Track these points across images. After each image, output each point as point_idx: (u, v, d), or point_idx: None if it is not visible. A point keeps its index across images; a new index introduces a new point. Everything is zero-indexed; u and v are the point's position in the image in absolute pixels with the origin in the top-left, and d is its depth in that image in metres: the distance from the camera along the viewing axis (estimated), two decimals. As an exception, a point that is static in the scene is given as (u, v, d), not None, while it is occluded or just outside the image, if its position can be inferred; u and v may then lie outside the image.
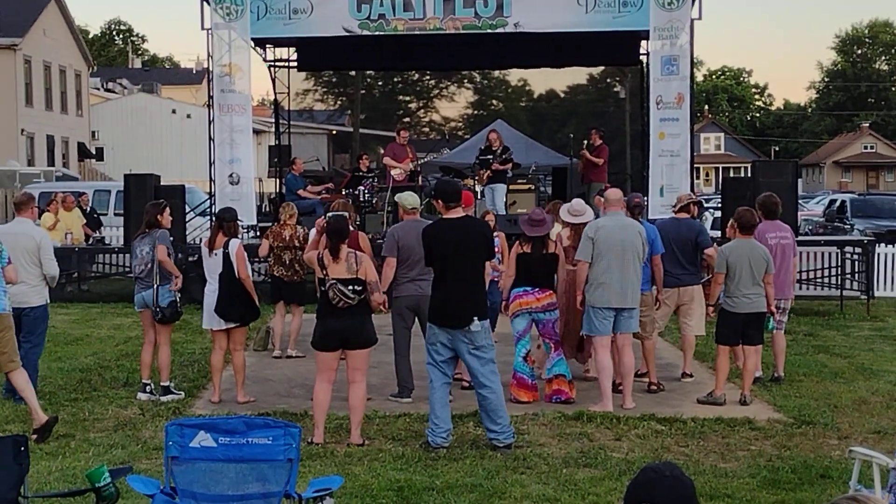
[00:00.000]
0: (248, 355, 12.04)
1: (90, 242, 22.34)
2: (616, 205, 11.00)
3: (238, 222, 11.54)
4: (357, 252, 9.35)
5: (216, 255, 10.92)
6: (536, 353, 11.67)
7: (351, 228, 11.92)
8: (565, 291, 11.41)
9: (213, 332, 11.09)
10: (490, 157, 20.26)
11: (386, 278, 10.85)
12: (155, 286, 11.12)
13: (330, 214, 10.17)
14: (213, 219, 11.63)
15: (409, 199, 11.35)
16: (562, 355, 11.23)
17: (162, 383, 11.26)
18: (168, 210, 11.66)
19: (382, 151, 20.64)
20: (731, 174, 75.23)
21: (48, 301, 11.17)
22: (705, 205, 37.00)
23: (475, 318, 9.09)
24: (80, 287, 20.95)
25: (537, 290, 11.03)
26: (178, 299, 11.26)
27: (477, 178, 20.18)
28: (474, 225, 9.70)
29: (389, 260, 10.85)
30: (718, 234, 17.63)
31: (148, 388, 11.25)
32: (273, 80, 24.65)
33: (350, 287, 9.05)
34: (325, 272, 9.10)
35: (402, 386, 11.16)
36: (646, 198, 19.07)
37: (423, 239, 9.55)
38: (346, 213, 10.48)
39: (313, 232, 12.79)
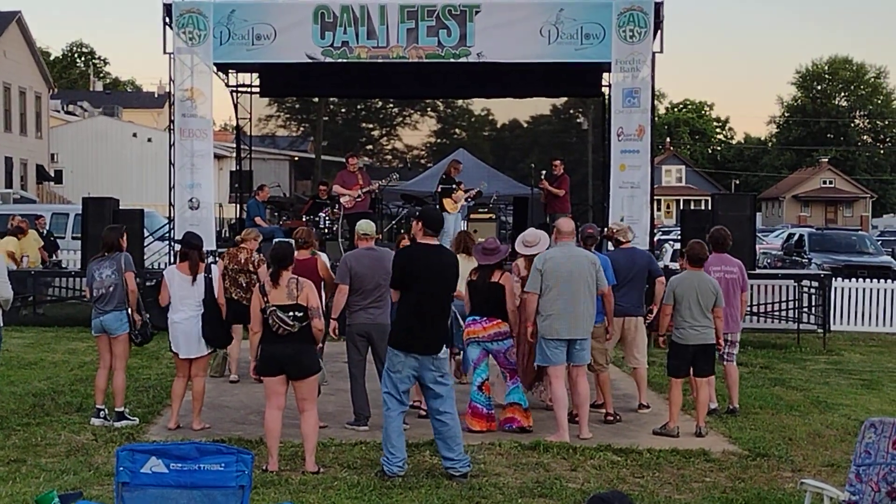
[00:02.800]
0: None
1: (47, 266, 22.12)
2: (567, 235, 10.97)
3: None
4: (299, 278, 9.28)
5: (197, 281, 10.85)
6: (495, 381, 11.64)
7: (316, 254, 11.99)
8: (517, 322, 11.31)
9: (179, 359, 11.00)
10: (453, 186, 20.36)
11: (337, 305, 10.84)
12: (130, 311, 11.05)
13: (275, 241, 10.14)
14: (181, 244, 11.51)
15: (363, 225, 11.33)
16: (518, 383, 11.20)
17: (116, 409, 11.16)
18: (125, 235, 11.61)
19: (337, 176, 20.57)
20: (692, 206, 75.75)
21: (1, 324, 11.04)
22: (665, 237, 37.33)
23: (446, 345, 9.12)
24: (35, 311, 20.71)
25: (485, 319, 11.00)
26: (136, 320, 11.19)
27: (445, 203, 20.12)
28: (447, 255, 9.70)
29: (341, 287, 10.80)
30: (677, 266, 17.74)
31: (102, 414, 11.14)
32: (235, 106, 24.64)
33: (290, 314, 9.00)
34: (265, 299, 9.06)
35: (359, 414, 11.10)
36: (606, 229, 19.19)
37: (395, 261, 9.49)
38: (292, 241, 10.42)
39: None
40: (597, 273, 10.78)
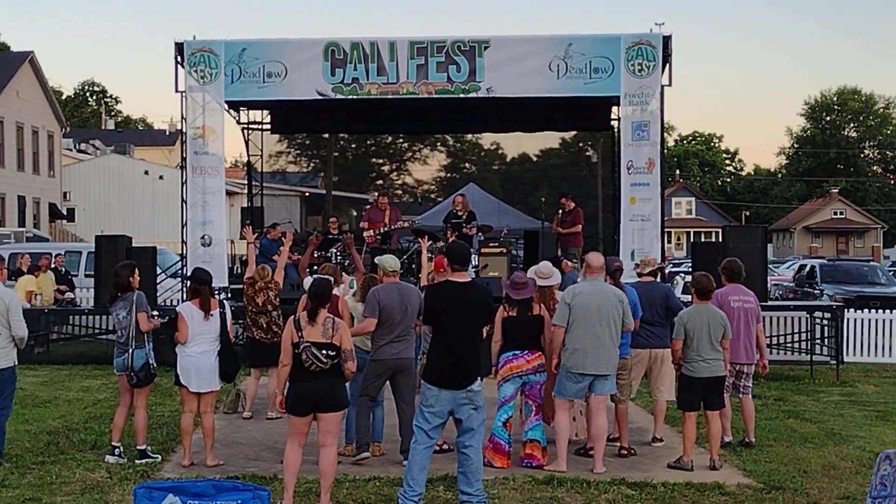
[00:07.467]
0: (217, 418, 11.96)
1: (61, 304, 22.18)
2: (596, 270, 11.05)
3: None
4: (335, 318, 9.32)
5: (212, 316, 10.92)
6: (516, 415, 11.61)
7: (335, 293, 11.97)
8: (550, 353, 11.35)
9: (186, 394, 11.01)
10: (462, 220, 20.41)
11: (359, 331, 10.84)
12: (130, 350, 11.04)
13: (315, 277, 10.15)
14: (190, 281, 11.54)
15: (389, 261, 11.35)
16: (540, 420, 11.20)
17: (138, 447, 11.14)
18: (136, 270, 11.57)
19: (365, 212, 20.95)
20: (702, 238, 75.79)
21: (16, 363, 11.06)
22: (676, 269, 37.31)
23: (479, 377, 9.18)
24: (48, 349, 20.75)
25: (527, 352, 11.03)
26: (150, 361, 11.16)
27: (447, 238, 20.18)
28: (479, 289, 9.73)
29: (371, 320, 10.77)
30: (689, 298, 17.71)
31: (117, 451, 11.13)
32: (246, 143, 24.76)
33: (323, 351, 9.01)
34: (300, 334, 9.07)
35: (359, 440, 11.13)
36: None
37: (427, 298, 9.58)
38: (332, 278, 10.43)
39: (304, 298, 12.80)
40: (623, 309, 10.85)
